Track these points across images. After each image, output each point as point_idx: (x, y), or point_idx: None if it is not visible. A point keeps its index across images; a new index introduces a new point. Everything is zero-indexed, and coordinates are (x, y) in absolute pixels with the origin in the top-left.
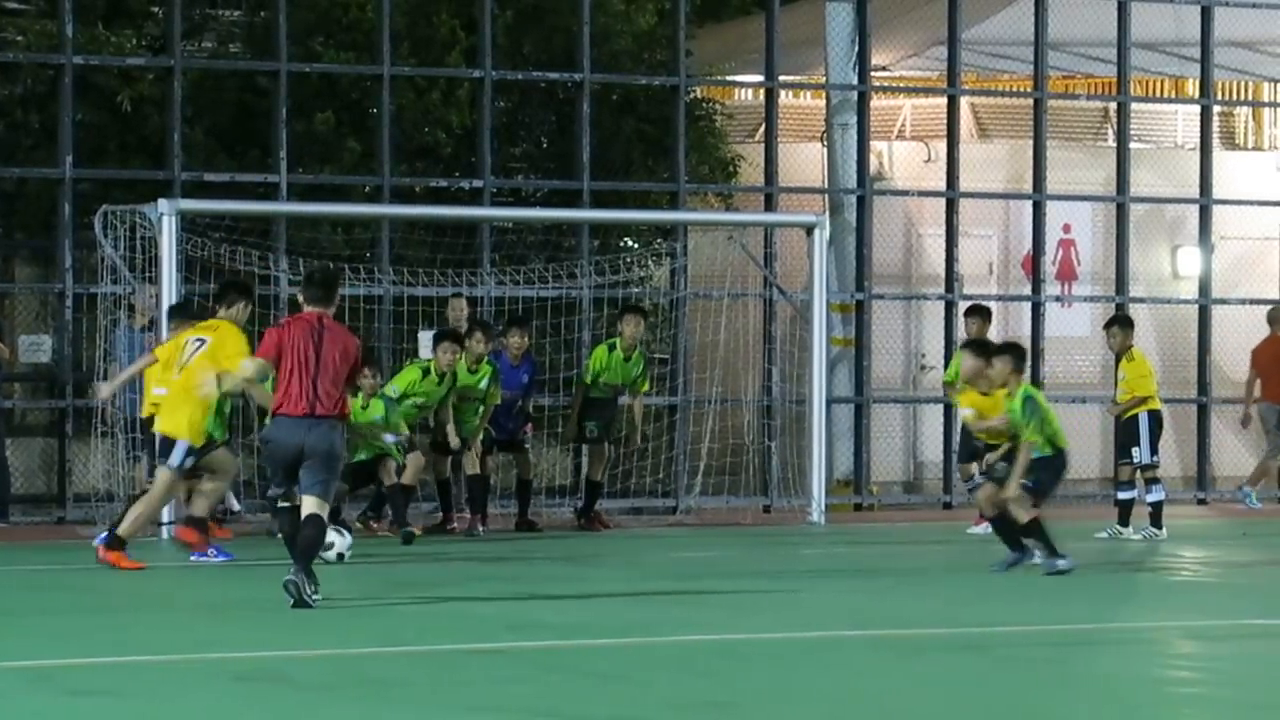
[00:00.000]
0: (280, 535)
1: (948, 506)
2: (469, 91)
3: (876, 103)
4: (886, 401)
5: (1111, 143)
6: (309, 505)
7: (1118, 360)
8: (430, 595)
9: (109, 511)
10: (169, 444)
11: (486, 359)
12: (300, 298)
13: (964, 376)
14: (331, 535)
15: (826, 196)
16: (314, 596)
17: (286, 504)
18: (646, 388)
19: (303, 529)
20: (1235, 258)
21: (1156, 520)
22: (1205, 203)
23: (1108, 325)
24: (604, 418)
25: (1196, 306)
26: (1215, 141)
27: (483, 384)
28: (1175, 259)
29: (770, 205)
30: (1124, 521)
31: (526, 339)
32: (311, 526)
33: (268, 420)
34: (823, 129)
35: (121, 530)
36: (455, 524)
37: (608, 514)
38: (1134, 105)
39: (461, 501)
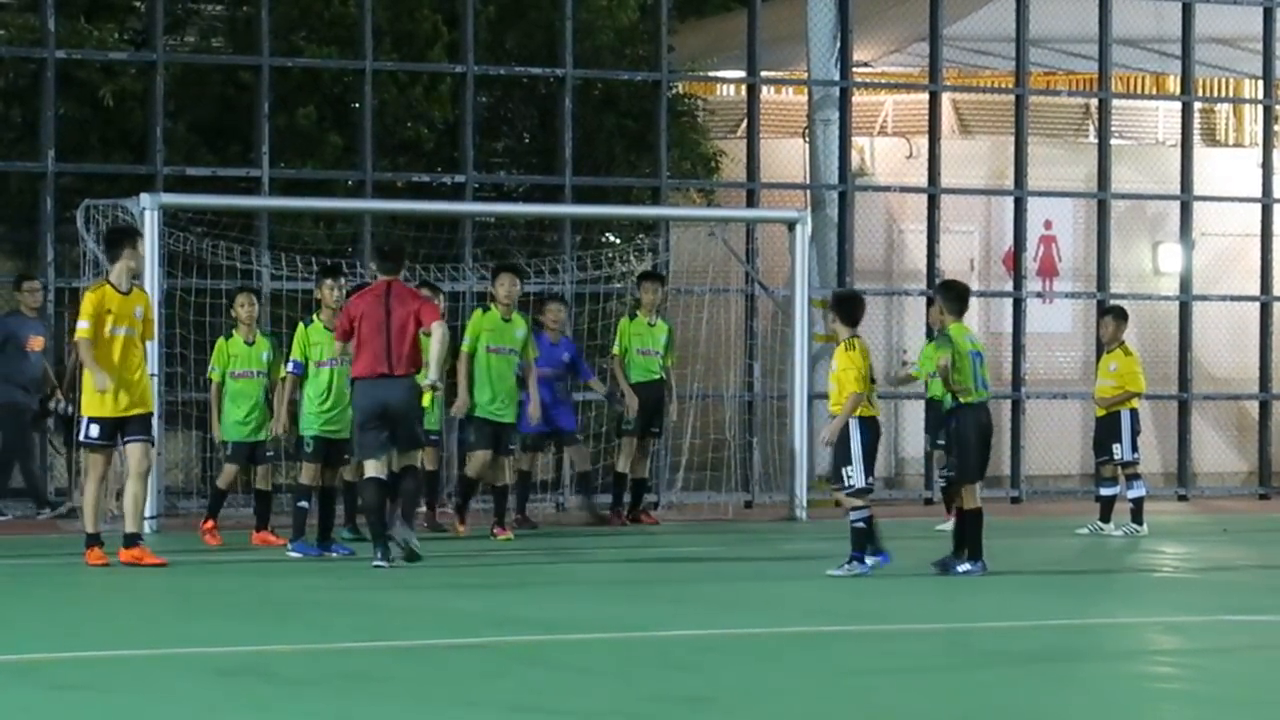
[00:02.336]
0: (360, 506)
1: (929, 502)
2: (451, 86)
3: (858, 99)
4: None
5: (1093, 139)
6: (405, 459)
7: (1104, 351)
8: (412, 590)
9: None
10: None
11: None
12: (373, 267)
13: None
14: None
15: (808, 192)
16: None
17: (374, 475)
18: (672, 361)
19: (403, 481)
20: (1216, 254)
21: (1138, 516)
22: (1186, 199)
23: (1102, 314)
24: (644, 409)
25: (1177, 303)
26: (1196, 138)
27: None
28: (1156, 255)
29: (752, 201)
30: (1105, 518)
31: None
32: (411, 478)
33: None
34: (804, 125)
35: None
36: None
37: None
38: (1115, 101)
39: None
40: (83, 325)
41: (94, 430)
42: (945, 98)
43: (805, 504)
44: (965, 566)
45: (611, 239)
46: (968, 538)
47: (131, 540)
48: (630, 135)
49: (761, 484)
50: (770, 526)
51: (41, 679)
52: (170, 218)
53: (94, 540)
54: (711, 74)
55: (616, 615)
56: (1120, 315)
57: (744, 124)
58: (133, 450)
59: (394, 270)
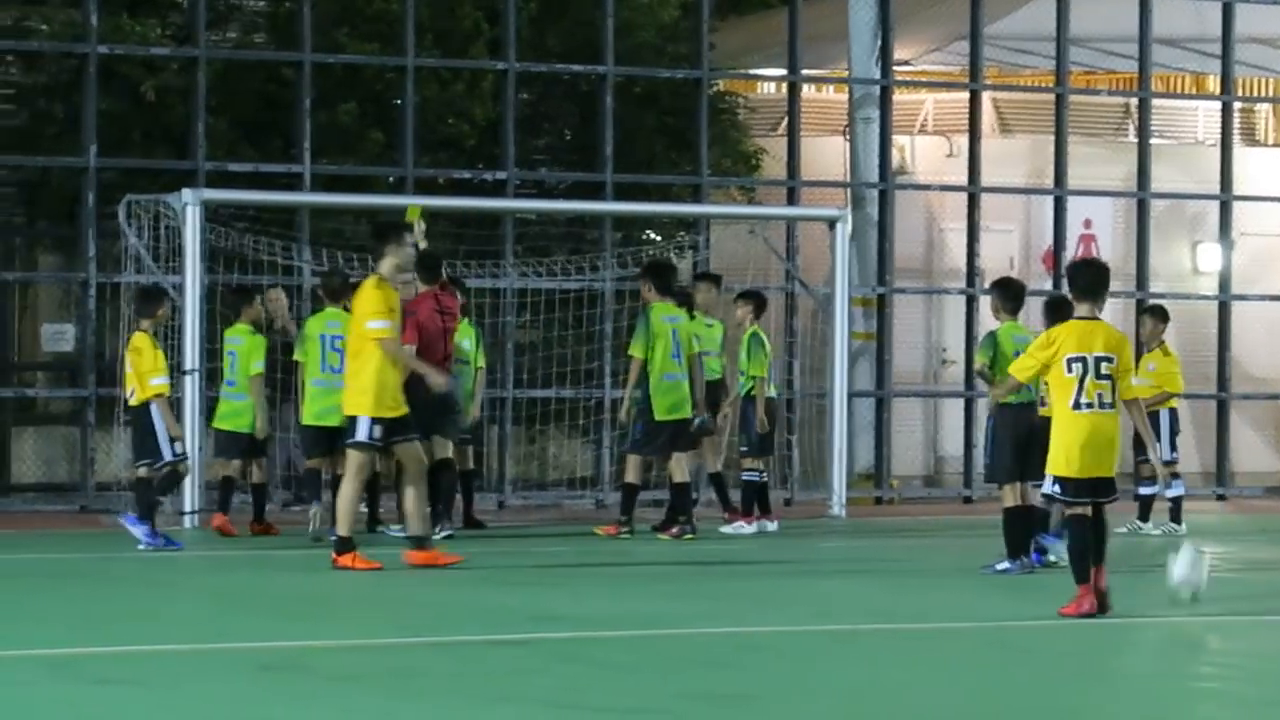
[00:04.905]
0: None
1: (968, 500)
2: (492, 84)
3: (899, 97)
4: (907, 396)
5: (1132, 138)
6: (441, 451)
7: (1144, 351)
8: (451, 586)
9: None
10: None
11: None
12: (416, 277)
13: None
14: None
15: (848, 190)
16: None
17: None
18: (724, 361)
19: (439, 475)
20: (1255, 254)
21: (1176, 516)
22: (1225, 199)
23: (1141, 313)
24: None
25: (1216, 302)
26: (1236, 137)
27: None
28: (1195, 255)
29: (792, 199)
30: (1144, 517)
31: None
32: (446, 471)
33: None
34: (845, 123)
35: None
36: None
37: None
38: (1155, 101)
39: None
40: (383, 325)
41: (377, 431)
42: (985, 96)
43: (844, 502)
44: (1005, 565)
45: (652, 236)
46: (1005, 536)
47: (420, 542)
48: (671, 133)
49: (801, 482)
50: (809, 524)
51: (82, 673)
52: (211, 213)
53: (349, 544)
54: (752, 72)
55: (655, 612)
56: (1160, 315)
57: (785, 122)
58: (409, 451)
59: (436, 279)
